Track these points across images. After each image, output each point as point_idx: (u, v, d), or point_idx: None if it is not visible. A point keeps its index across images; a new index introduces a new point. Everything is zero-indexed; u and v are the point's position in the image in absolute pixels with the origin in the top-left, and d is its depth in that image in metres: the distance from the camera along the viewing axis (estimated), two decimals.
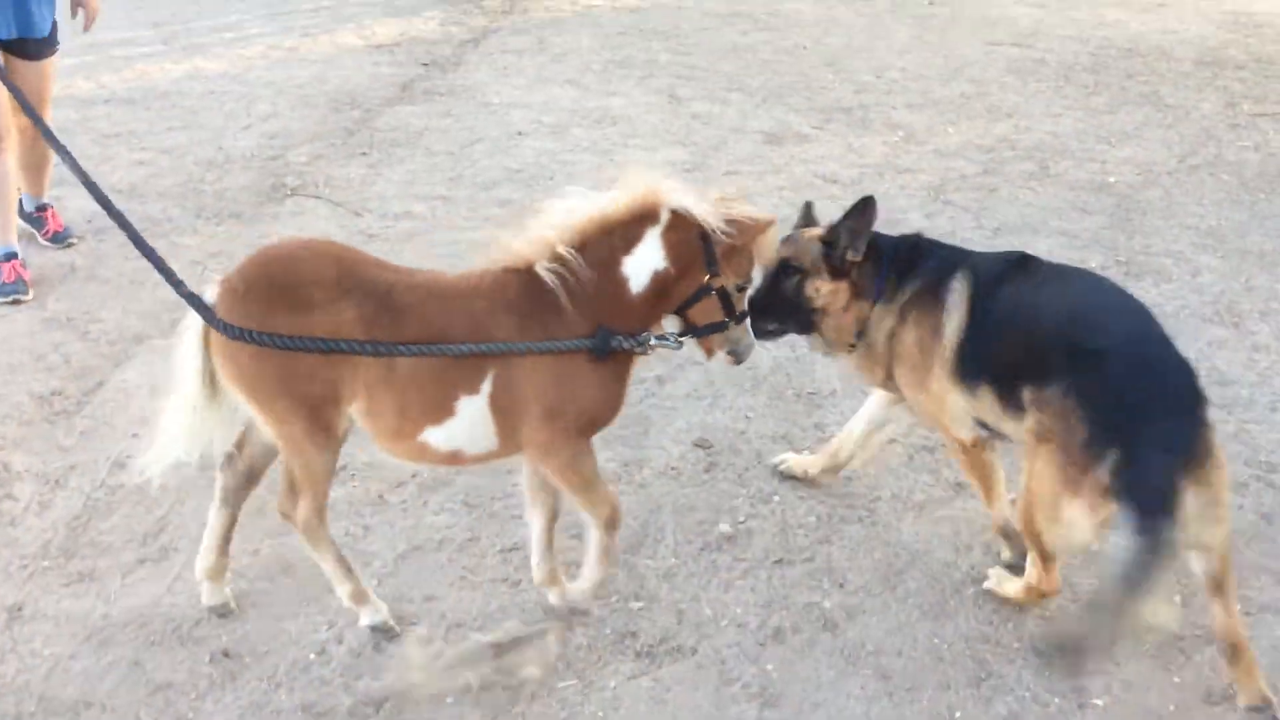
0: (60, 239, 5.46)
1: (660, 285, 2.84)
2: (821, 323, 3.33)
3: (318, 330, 2.64)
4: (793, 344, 4.56)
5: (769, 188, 6.25)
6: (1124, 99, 8.08)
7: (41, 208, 5.47)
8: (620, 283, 2.81)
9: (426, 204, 6.06)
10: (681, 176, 3.15)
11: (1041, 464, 2.84)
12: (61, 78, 7.92)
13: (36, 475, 3.74)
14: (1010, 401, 2.99)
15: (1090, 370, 2.79)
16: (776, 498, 3.69)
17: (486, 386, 2.75)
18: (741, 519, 3.59)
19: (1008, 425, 3.06)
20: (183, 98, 7.69)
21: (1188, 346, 4.61)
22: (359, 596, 3.02)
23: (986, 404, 3.08)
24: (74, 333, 4.65)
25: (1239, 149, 7.04)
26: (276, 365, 2.66)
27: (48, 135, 3.07)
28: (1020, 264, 3.19)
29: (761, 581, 3.31)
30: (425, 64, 8.72)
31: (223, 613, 3.13)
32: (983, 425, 3.17)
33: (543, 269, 2.74)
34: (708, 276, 2.86)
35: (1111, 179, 6.48)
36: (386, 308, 2.69)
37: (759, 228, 2.87)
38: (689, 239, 2.82)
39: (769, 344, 3.69)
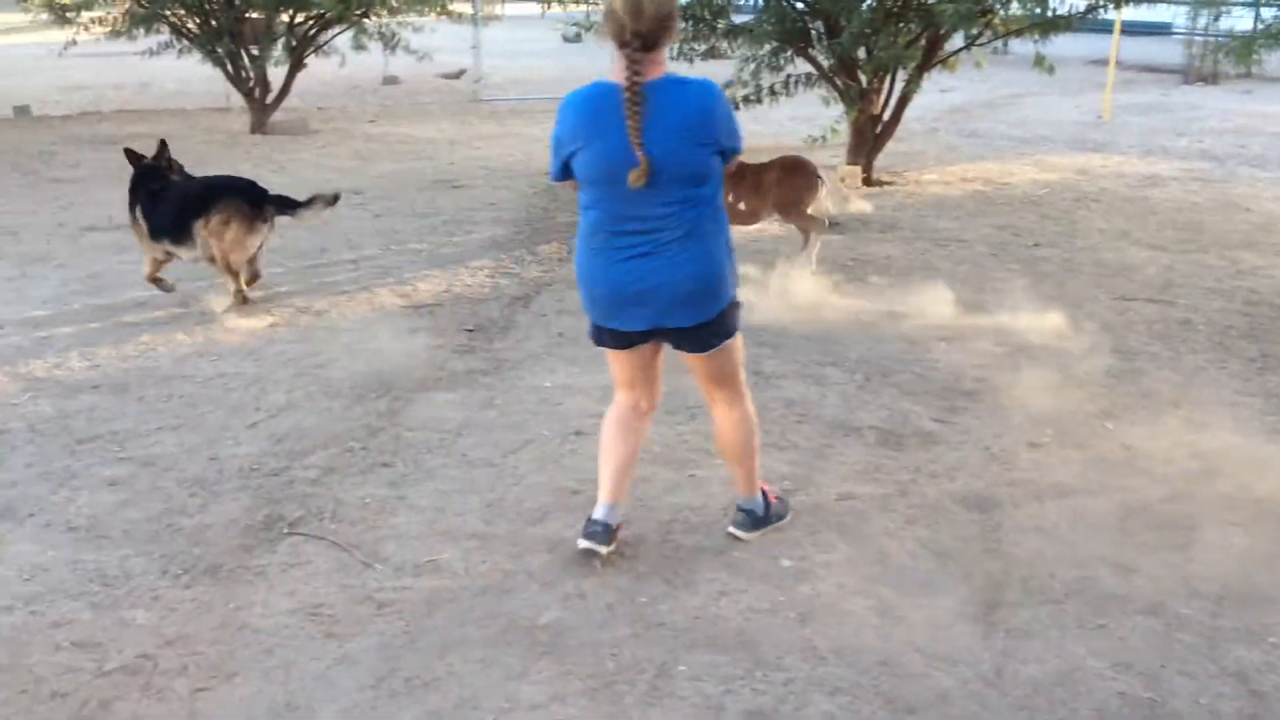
0: None
1: None
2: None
3: None
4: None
5: (882, 498, 4.85)
6: None
7: None
8: None
9: (457, 547, 4.71)
10: None
11: (231, 234, 7.48)
12: (54, 352, 6.92)
13: None
14: (182, 236, 7.57)
15: (235, 196, 7.58)
16: None
17: None
18: None
19: (181, 250, 7.71)
20: (185, 382, 6.55)
21: None
22: None
23: (165, 244, 7.69)
24: None
25: None
26: None
27: None
28: (149, 174, 7.74)
29: None
30: (469, 329, 7.59)
31: None
32: (167, 253, 7.78)
33: None
34: None
35: None
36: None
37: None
38: None
39: None
